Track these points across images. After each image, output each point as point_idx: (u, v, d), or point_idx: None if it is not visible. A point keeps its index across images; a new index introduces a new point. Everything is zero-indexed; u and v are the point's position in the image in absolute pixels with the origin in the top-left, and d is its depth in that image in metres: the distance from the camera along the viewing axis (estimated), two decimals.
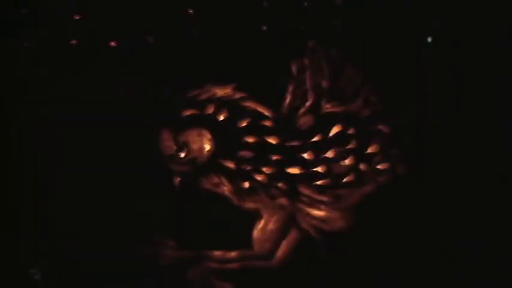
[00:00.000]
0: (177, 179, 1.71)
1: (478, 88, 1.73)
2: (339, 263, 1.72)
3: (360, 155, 1.71)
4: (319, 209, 1.71)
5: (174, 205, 1.74)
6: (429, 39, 1.77)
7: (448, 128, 1.73)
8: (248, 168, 1.68)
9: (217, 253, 1.74)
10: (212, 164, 1.69)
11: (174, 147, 1.69)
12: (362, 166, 1.71)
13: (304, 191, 1.70)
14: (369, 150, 1.72)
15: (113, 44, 1.79)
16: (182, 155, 1.69)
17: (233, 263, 1.73)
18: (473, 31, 1.73)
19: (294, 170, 1.69)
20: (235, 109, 1.69)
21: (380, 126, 1.73)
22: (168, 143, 1.70)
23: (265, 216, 1.72)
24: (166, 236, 1.75)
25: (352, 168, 1.71)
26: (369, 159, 1.72)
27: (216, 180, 1.70)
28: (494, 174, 1.73)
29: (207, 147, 1.69)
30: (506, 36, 1.72)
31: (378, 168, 1.72)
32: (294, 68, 1.73)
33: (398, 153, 1.73)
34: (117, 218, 1.74)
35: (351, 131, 1.71)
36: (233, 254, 1.73)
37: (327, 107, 1.72)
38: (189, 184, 1.70)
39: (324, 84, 1.73)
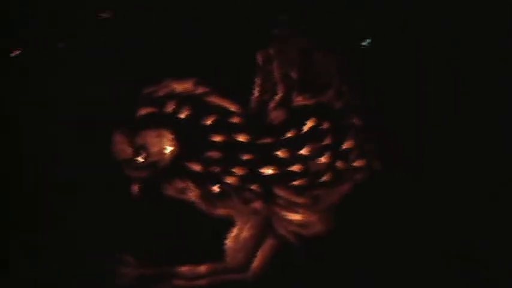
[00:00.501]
0: (136, 187, 1.54)
1: (477, 88, 1.66)
2: (320, 271, 1.58)
3: (336, 151, 1.58)
4: (296, 212, 1.56)
5: (132, 216, 1.56)
6: (366, 42, 1.66)
7: (447, 128, 1.65)
8: (217, 170, 1.53)
9: (184, 268, 1.57)
10: (176, 167, 1.53)
11: (130, 151, 1.53)
12: (339, 163, 1.58)
13: (280, 192, 1.55)
14: (345, 146, 1.59)
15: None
16: (140, 159, 1.53)
17: (203, 278, 1.57)
18: (473, 31, 1.67)
19: (267, 170, 1.55)
20: (198, 106, 1.55)
21: (355, 120, 1.60)
22: (122, 146, 1.54)
23: (238, 223, 1.57)
24: (125, 252, 1.57)
25: (329, 166, 1.57)
26: (346, 155, 1.58)
27: (181, 185, 1.54)
28: (493, 174, 1.64)
29: (169, 149, 1.53)
30: (506, 36, 1.68)
31: (355, 166, 1.59)
32: (259, 58, 1.59)
33: (374, 148, 1.61)
34: (69, 234, 1.57)
35: (325, 125, 1.58)
36: (202, 268, 1.57)
37: (299, 100, 1.58)
38: (150, 191, 1.53)
39: (294, 75, 1.59)
